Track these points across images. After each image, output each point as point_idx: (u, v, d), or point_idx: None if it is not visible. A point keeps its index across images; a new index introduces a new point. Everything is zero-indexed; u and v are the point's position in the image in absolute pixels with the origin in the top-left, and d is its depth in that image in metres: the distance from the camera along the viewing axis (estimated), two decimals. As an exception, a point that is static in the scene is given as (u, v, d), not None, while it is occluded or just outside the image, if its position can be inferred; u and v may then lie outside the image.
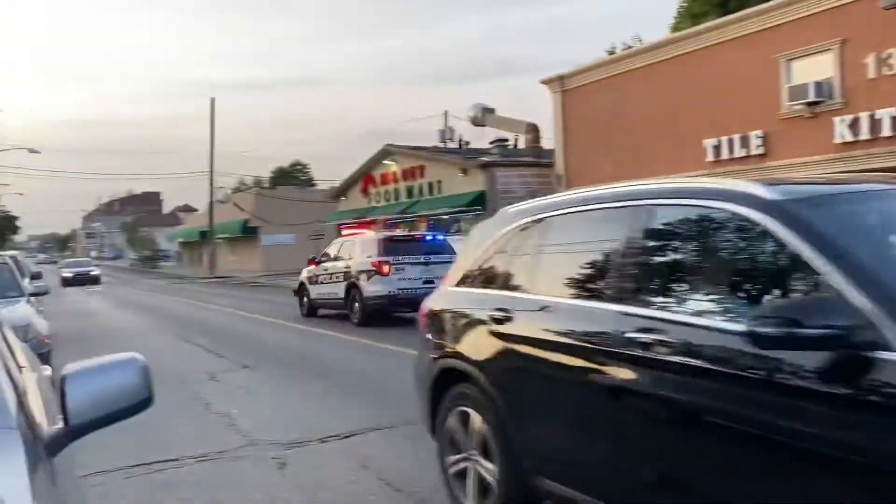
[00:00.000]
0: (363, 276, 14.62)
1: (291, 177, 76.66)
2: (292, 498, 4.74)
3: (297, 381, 9.01)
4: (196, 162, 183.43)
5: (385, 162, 32.81)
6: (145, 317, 19.63)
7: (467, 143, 35.99)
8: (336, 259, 16.18)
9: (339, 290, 15.38)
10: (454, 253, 12.07)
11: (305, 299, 17.31)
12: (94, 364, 1.93)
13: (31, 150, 46.78)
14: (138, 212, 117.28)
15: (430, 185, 30.02)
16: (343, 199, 37.03)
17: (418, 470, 5.26)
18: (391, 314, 14.52)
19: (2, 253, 13.81)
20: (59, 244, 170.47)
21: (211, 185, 47.42)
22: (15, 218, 56.82)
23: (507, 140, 30.82)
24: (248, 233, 47.51)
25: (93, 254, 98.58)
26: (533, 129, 29.21)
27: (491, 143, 31.20)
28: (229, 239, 51.83)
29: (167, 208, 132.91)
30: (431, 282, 12.71)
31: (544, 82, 24.68)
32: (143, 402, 1.94)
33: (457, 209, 27.86)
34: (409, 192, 31.29)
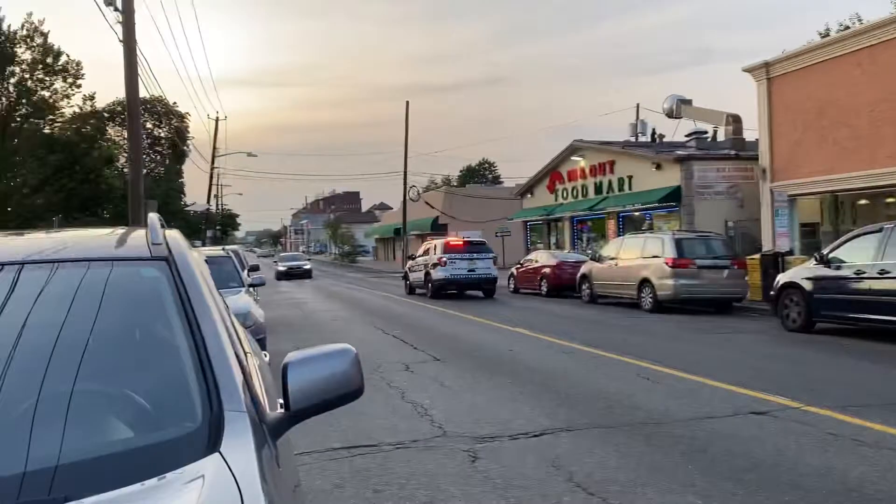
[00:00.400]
0: (432, 267, 22.94)
1: (479, 175, 78.13)
2: (484, 494, 4.77)
3: (487, 375, 9.12)
4: (392, 163, 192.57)
5: (573, 158, 32.39)
6: (345, 307, 20.82)
7: (661, 136, 34.57)
8: (421, 256, 24.78)
9: (421, 276, 23.99)
10: (492, 252, 23.29)
11: (407, 282, 26.02)
12: (312, 353, 2.03)
13: (249, 154, 52.03)
14: (340, 210, 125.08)
15: (620, 181, 29.21)
16: (529, 196, 37.06)
17: (609, 472, 5.11)
18: (447, 291, 22.86)
19: (225, 247, 15.32)
20: (272, 239, 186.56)
21: (405, 184, 49.44)
22: (236, 215, 63.36)
23: (705, 132, 29.20)
24: (437, 229, 49.11)
25: (301, 248, 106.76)
26: (734, 120, 27.43)
27: (687, 135, 29.71)
28: (421, 235, 53.84)
29: (365, 206, 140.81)
30: (473, 271, 22.45)
31: (747, 70, 23.06)
32: (355, 392, 2.02)
33: (649, 205, 26.86)
34: (598, 189, 30.66)
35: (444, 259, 22.65)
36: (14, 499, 1.44)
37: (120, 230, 2.62)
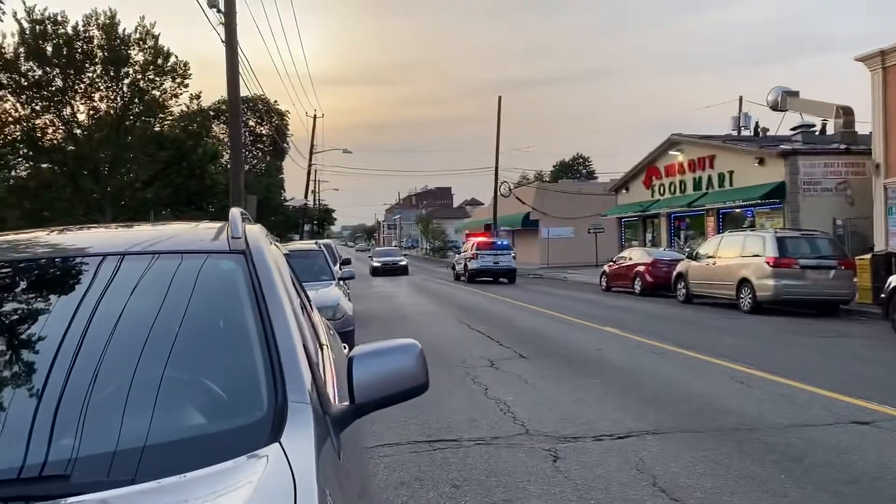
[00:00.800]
0: (469, 260, 32.03)
1: (573, 170, 76.98)
2: (563, 495, 4.71)
3: (573, 374, 9.02)
4: (484, 158, 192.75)
5: (671, 152, 31.47)
6: (434, 302, 21.06)
7: (764, 130, 33.10)
8: (462, 251, 35.53)
9: (462, 267, 33.21)
10: (512, 250, 32.36)
11: (452, 271, 36.55)
12: (377, 347, 2.05)
13: (345, 151, 53.47)
14: (432, 205, 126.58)
15: (721, 177, 28.17)
16: (624, 191, 36.28)
17: (695, 478, 4.95)
18: (479, 278, 31.34)
19: (318, 241, 15.74)
20: (366, 234, 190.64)
21: (496, 179, 49.30)
22: (332, 210, 64.64)
23: (812, 126, 27.73)
24: (528, 225, 48.76)
25: (394, 243, 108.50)
26: (845, 112, 25.93)
27: (793, 129, 28.29)
28: (511, 231, 53.62)
29: (456, 202, 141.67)
30: (497, 263, 30.92)
31: (861, 59, 21.74)
32: (419, 387, 2.03)
33: (750, 202, 25.78)
34: (697, 185, 29.67)
35: (477, 254, 31.84)
36: (104, 476, 1.53)
37: (204, 224, 2.73)
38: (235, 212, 2.48)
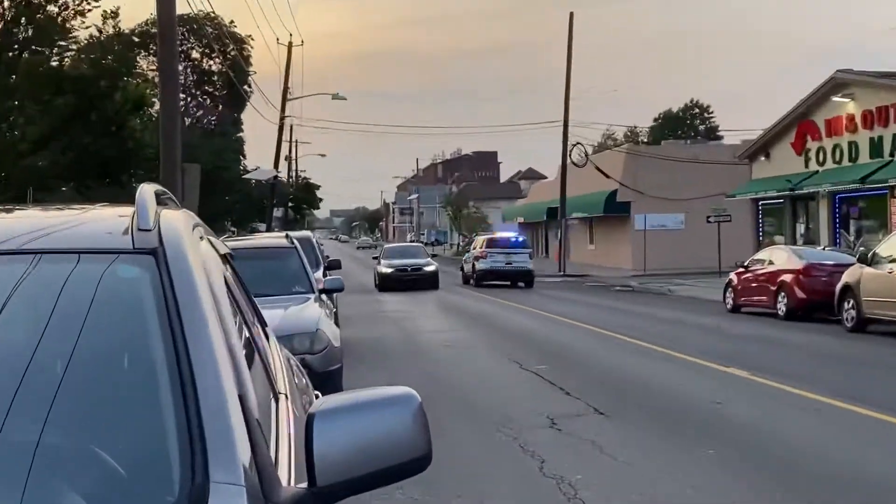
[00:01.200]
0: (477, 259, 39.41)
1: (684, 126, 76.62)
2: None
3: (676, 441, 8.97)
4: (545, 108, 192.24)
5: (835, 99, 31.15)
6: (468, 326, 21.11)
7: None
8: (472, 249, 43.72)
9: (470, 268, 40.70)
10: (529, 248, 42.41)
11: (462, 272, 42.93)
12: (353, 399, 2.03)
13: (336, 96, 53.00)
14: (467, 179, 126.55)
15: (914, 137, 27.87)
16: (762, 159, 35.99)
17: None
18: (488, 281, 38.35)
19: (292, 234, 15.75)
20: (368, 222, 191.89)
21: (564, 140, 49.16)
22: (316, 187, 63.43)
23: None
24: (614, 210, 48.37)
25: (409, 237, 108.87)
26: None
27: None
28: (587, 219, 53.40)
29: (504, 174, 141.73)
30: (511, 263, 38.37)
31: None
32: (417, 461, 2.00)
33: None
34: (875, 149, 29.30)
35: (486, 252, 38.78)
36: None
37: (96, 209, 2.73)
38: (146, 190, 2.47)
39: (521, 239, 41.80)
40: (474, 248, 42.30)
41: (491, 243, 39.83)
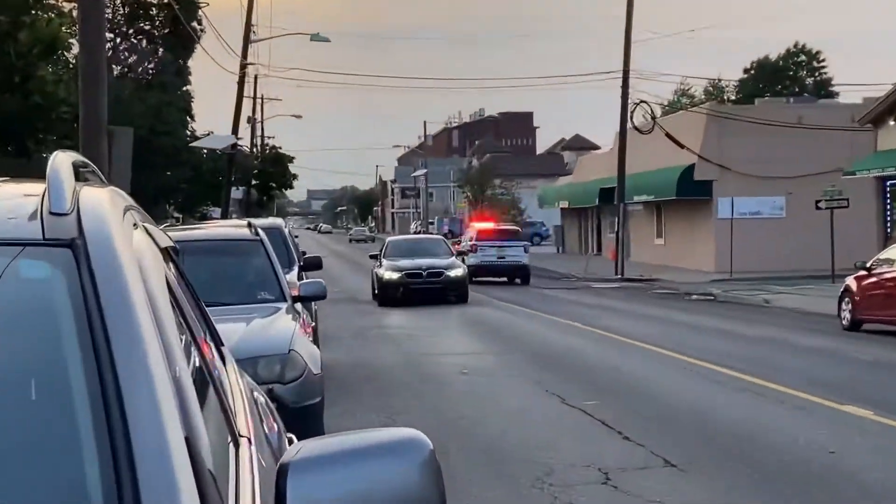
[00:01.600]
0: (467, 254, 47.27)
1: (785, 79, 76.49)
2: None
3: (775, 503, 8.90)
4: (597, 57, 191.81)
5: None
6: (489, 345, 21.43)
7: None
8: (462, 242, 53.51)
9: (465, 259, 46.43)
10: (524, 241, 52.68)
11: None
12: (337, 446, 2.05)
13: (315, 37, 53.28)
14: (493, 148, 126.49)
15: None
16: (892, 123, 35.93)
17: None
18: (478, 277, 45.01)
19: (254, 221, 15.71)
20: (358, 207, 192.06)
21: (624, 98, 49.09)
22: (289, 159, 62.55)
23: None
24: (691, 192, 48.23)
25: (415, 225, 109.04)
26: None
27: None
28: (654, 204, 53.30)
29: (542, 143, 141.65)
30: (503, 258, 47.97)
31: None
32: None
33: None
34: None
35: (476, 245, 46.65)
36: None
37: (7, 186, 2.74)
38: (61, 161, 2.48)
39: (515, 230, 51.70)
40: (464, 241, 50.43)
41: (482, 235, 48.96)
